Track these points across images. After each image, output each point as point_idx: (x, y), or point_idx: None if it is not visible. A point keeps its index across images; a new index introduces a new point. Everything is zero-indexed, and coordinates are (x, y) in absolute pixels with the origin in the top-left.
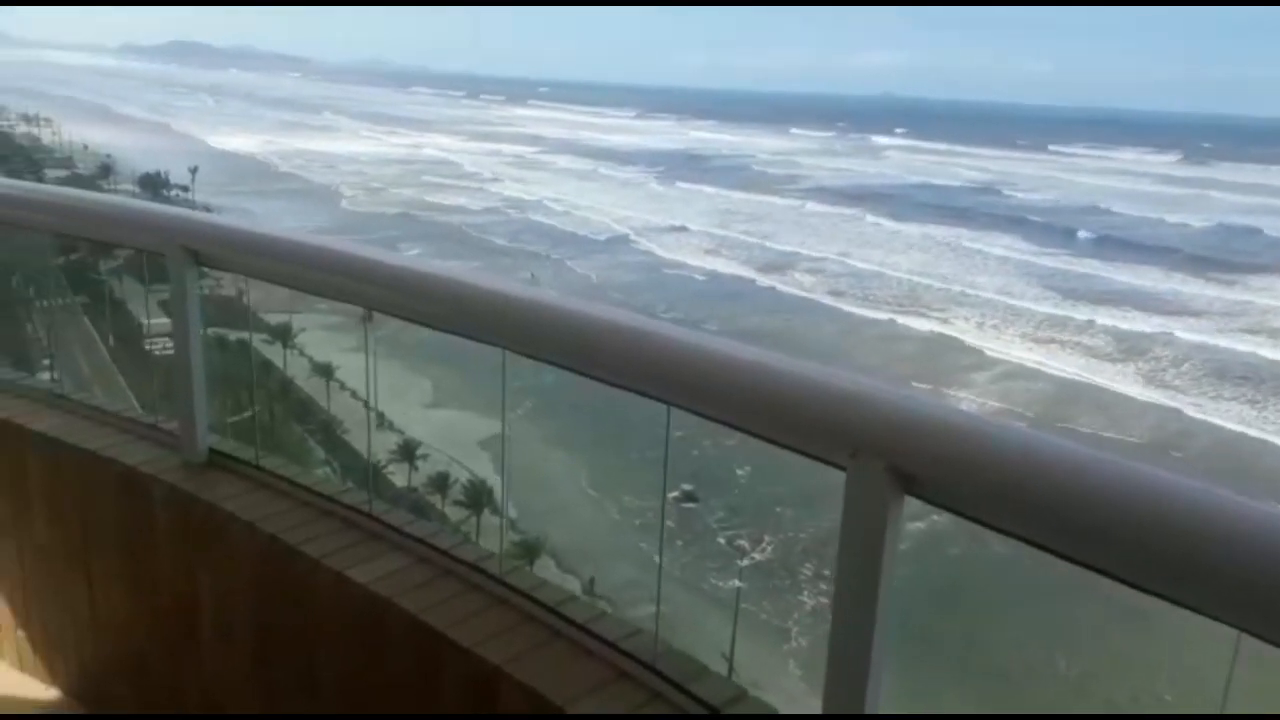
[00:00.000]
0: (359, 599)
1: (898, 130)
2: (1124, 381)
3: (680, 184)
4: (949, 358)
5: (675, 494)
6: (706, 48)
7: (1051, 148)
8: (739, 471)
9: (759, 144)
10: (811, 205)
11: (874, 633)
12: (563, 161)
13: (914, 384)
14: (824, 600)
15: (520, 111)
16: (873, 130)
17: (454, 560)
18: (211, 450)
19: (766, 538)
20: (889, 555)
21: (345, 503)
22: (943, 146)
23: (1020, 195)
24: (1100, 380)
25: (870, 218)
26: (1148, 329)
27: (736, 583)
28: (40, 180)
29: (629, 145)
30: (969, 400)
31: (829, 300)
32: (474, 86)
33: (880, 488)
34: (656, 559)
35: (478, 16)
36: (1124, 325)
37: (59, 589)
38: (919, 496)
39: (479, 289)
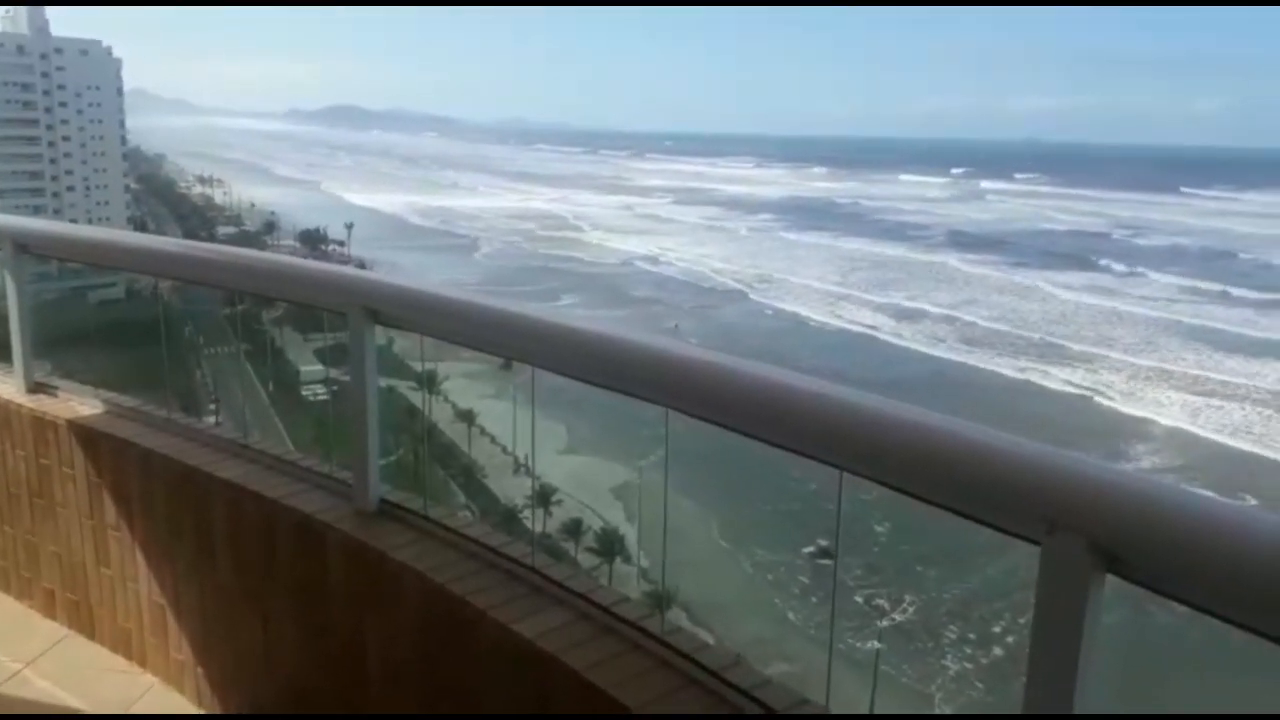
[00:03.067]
0: (524, 653)
1: (1018, 175)
2: None
3: (784, 234)
4: (1104, 413)
5: (810, 549)
6: (857, 96)
7: (1184, 190)
8: (878, 528)
9: (865, 191)
10: (909, 253)
11: None
12: (666, 211)
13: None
14: (969, 666)
15: (638, 165)
16: (995, 175)
17: (615, 618)
18: (382, 500)
19: (907, 598)
20: (1089, 639)
21: (509, 555)
22: (1061, 191)
23: (1139, 241)
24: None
25: (974, 265)
26: None
27: (875, 644)
28: (213, 235)
29: (739, 194)
30: (1134, 461)
31: (964, 352)
32: (602, 142)
33: (1080, 566)
34: (790, 616)
35: (628, 74)
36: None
37: (236, 628)
38: (1122, 576)
39: (643, 347)
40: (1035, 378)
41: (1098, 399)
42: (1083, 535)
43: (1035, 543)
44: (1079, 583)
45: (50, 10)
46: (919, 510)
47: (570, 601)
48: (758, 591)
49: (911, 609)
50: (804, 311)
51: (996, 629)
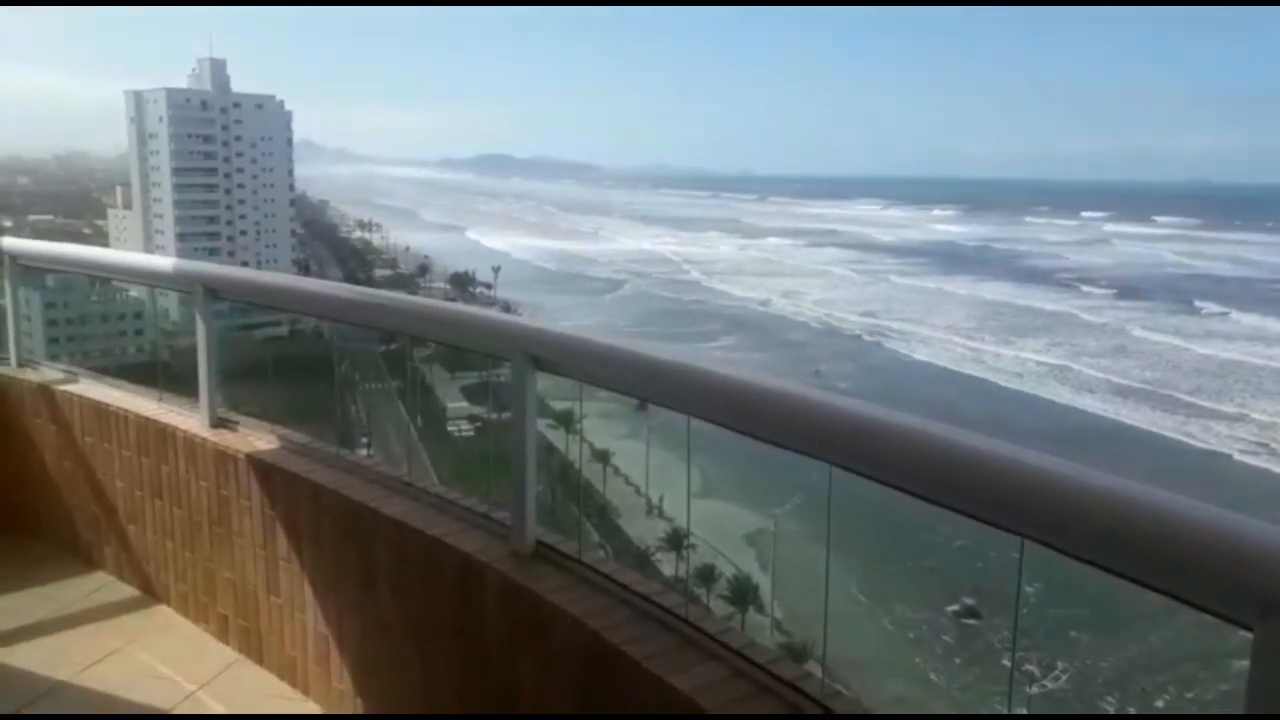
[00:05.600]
0: (680, 706)
1: (1157, 219)
2: None
3: (900, 279)
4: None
5: (955, 608)
6: (1000, 136)
7: None
8: (1027, 588)
9: (992, 234)
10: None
11: None
12: (786, 255)
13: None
14: None
15: (760, 208)
16: (1133, 219)
17: (772, 677)
18: (538, 542)
19: (1060, 664)
20: None
21: (662, 604)
22: (1206, 235)
23: None
24: None
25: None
26: None
27: (1024, 712)
28: (370, 277)
29: (861, 237)
30: None
31: (1117, 403)
32: (731, 186)
33: None
34: (933, 676)
35: (762, 119)
36: None
37: (395, 662)
38: None
39: (809, 402)
40: (1196, 430)
41: (1263, 458)
42: None
43: (1247, 627)
44: None
45: (231, 65)
46: (1073, 570)
47: (725, 657)
48: (898, 649)
49: (1064, 676)
50: (944, 357)
51: (1160, 703)
